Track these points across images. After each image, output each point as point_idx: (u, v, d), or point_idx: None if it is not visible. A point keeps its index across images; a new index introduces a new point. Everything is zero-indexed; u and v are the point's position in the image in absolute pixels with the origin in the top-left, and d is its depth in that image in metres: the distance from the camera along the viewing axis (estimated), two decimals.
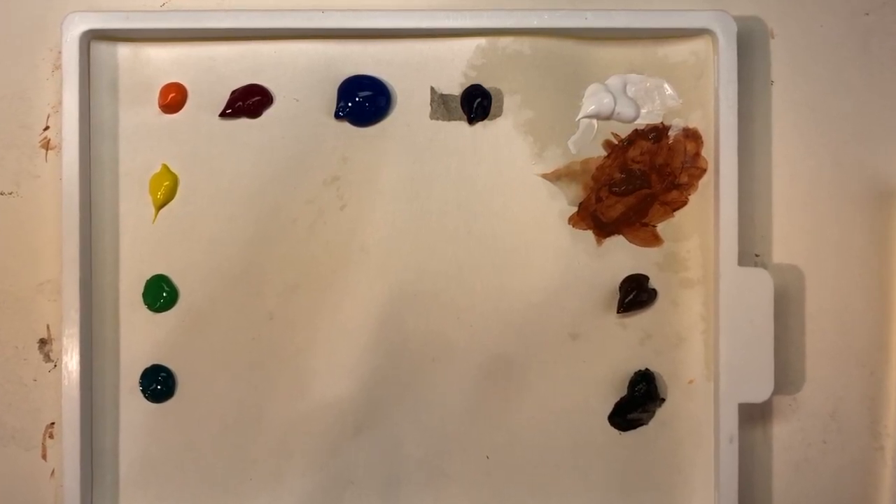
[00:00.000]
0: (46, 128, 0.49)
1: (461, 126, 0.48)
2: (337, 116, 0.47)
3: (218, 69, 0.48)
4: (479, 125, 0.48)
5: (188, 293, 0.47)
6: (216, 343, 0.47)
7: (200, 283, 0.47)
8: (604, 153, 0.48)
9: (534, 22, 0.47)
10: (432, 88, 0.48)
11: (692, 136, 0.48)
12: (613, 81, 0.48)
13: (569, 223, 0.48)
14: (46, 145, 0.49)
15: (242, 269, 0.47)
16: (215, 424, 0.47)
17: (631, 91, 0.48)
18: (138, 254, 0.47)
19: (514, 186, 0.48)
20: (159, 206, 0.47)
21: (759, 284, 0.46)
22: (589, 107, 0.47)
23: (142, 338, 0.47)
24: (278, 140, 0.47)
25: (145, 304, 0.47)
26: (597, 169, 0.48)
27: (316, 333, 0.47)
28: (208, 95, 0.48)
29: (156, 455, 0.47)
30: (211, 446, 0.47)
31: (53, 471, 0.48)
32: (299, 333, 0.47)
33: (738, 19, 0.47)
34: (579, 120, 0.48)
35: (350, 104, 0.47)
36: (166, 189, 0.47)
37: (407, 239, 0.47)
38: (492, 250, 0.48)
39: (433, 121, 0.48)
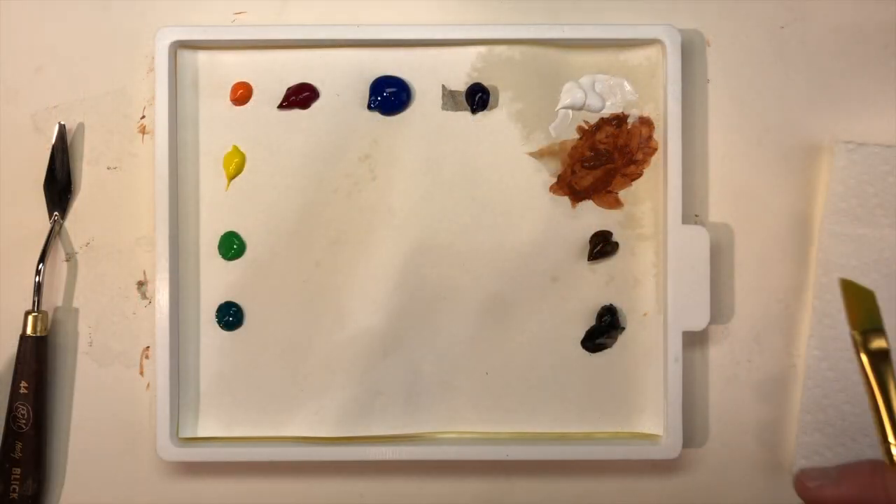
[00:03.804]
0: (143, 117, 0.52)
1: (466, 115, 0.51)
2: (369, 108, 0.51)
3: (276, 71, 0.51)
4: (480, 114, 0.51)
5: (253, 246, 0.50)
6: (275, 285, 0.50)
7: (263, 237, 0.50)
8: (577, 136, 0.51)
9: (522, 33, 0.50)
10: (443, 86, 0.51)
11: (646, 122, 0.51)
12: (585, 80, 0.51)
13: (550, 191, 0.51)
14: (143, 130, 0.53)
15: (296, 227, 0.50)
16: (275, 348, 0.50)
17: (598, 87, 0.51)
18: (215, 214, 0.51)
19: (507, 163, 0.51)
20: (231, 178, 0.51)
21: (699, 238, 0.49)
22: (566, 99, 0.51)
23: (217, 280, 0.50)
24: (323, 126, 0.51)
25: (220, 254, 0.50)
26: (572, 148, 0.51)
27: (352, 278, 0.50)
28: (269, 92, 0.51)
29: (228, 373, 0.50)
30: (272, 365, 0.50)
31: (148, 384, 0.52)
32: (339, 278, 0.50)
33: (682, 31, 0.50)
34: (558, 110, 0.51)
35: (379, 98, 0.51)
36: (237, 164, 0.50)
37: (423, 204, 0.51)
38: (489, 213, 0.51)
39: (444, 111, 0.51)
